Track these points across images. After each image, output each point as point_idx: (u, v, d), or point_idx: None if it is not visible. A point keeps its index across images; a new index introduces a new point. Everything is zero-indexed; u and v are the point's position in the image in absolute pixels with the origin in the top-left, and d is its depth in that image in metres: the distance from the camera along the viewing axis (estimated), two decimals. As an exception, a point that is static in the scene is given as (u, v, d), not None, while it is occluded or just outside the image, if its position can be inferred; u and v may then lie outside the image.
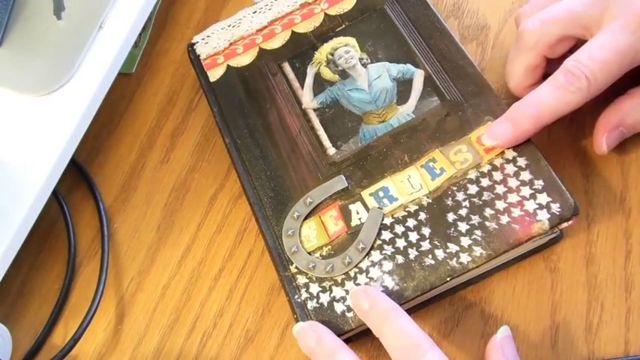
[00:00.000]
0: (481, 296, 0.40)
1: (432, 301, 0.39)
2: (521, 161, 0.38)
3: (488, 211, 0.37)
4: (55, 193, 0.46)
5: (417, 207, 0.39)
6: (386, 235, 0.39)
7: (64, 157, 0.43)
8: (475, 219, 0.37)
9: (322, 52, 0.46)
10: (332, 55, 0.45)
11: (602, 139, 0.39)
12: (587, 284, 0.39)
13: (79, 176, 0.49)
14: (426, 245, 0.38)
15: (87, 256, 0.47)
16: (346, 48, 0.45)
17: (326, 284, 0.38)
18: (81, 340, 0.42)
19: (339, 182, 0.41)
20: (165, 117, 0.50)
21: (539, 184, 0.37)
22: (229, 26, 0.48)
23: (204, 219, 0.46)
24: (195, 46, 0.48)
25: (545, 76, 0.40)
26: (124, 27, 0.46)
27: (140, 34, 0.50)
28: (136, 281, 0.45)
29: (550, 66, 0.41)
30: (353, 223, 0.39)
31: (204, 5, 0.54)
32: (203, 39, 0.48)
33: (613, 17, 0.36)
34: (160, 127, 0.50)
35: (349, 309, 0.37)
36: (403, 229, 0.39)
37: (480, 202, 0.38)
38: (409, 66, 0.43)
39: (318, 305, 0.38)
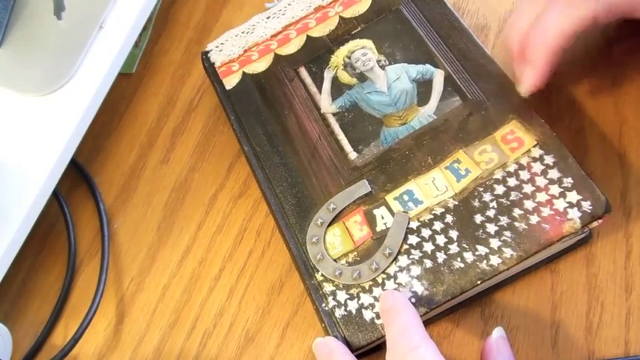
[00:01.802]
0: (481, 296, 0.39)
1: (461, 306, 0.39)
2: (549, 159, 0.38)
3: (516, 212, 0.37)
4: (55, 193, 0.46)
5: (443, 209, 0.38)
6: (413, 239, 0.38)
7: (64, 157, 0.43)
8: (504, 220, 0.37)
9: (339, 56, 0.45)
10: (349, 58, 0.45)
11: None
12: (587, 284, 0.39)
13: (79, 176, 0.49)
14: (454, 248, 0.37)
15: (87, 256, 0.47)
16: (363, 50, 0.45)
17: (353, 291, 0.38)
18: (81, 340, 0.42)
19: (363, 187, 0.40)
20: (165, 117, 0.50)
21: (568, 181, 0.37)
22: (243, 33, 0.48)
23: (205, 219, 0.46)
24: (209, 54, 0.48)
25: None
26: (124, 27, 0.46)
27: (140, 34, 0.50)
28: (136, 281, 0.45)
29: None
30: (378, 228, 0.39)
31: (204, 5, 0.54)
32: (217, 46, 0.48)
33: None
34: (160, 127, 0.50)
35: (378, 316, 0.37)
36: (430, 232, 0.38)
37: (508, 203, 0.37)
38: (428, 66, 0.43)
39: (346, 313, 0.38)
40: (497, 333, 0.36)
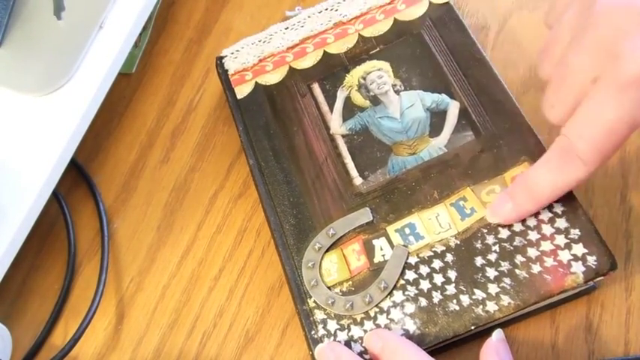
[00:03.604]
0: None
1: (453, 346, 0.38)
2: (558, 207, 0.37)
3: (519, 258, 0.36)
4: (55, 193, 0.46)
5: (444, 248, 0.38)
6: (410, 275, 0.38)
7: (64, 157, 0.43)
8: (505, 265, 0.36)
9: (354, 76, 0.44)
10: (364, 79, 0.44)
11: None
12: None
13: (79, 176, 0.49)
14: (451, 289, 0.37)
15: (87, 256, 0.47)
16: (379, 73, 0.44)
17: (344, 322, 0.38)
18: (81, 340, 0.42)
19: (365, 215, 0.40)
20: (165, 117, 0.50)
21: (575, 233, 0.36)
22: (260, 41, 0.47)
23: (204, 219, 0.46)
24: (223, 60, 0.47)
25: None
26: (124, 27, 0.46)
27: (140, 34, 0.50)
28: (136, 281, 0.45)
29: None
30: (376, 260, 0.38)
31: (204, 5, 0.54)
32: (232, 53, 0.47)
33: (603, 73, 0.32)
34: (160, 127, 0.50)
35: (367, 350, 0.37)
36: (428, 270, 0.37)
37: (511, 248, 0.37)
38: (444, 96, 0.42)
39: None
40: (497, 335, 0.36)
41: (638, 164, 0.41)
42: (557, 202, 0.37)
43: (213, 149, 0.48)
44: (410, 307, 0.37)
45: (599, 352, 0.37)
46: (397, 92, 0.43)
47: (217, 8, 0.54)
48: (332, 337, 0.37)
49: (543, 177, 0.35)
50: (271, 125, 0.44)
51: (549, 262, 0.36)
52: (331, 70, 0.45)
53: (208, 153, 0.48)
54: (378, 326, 0.37)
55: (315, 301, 0.38)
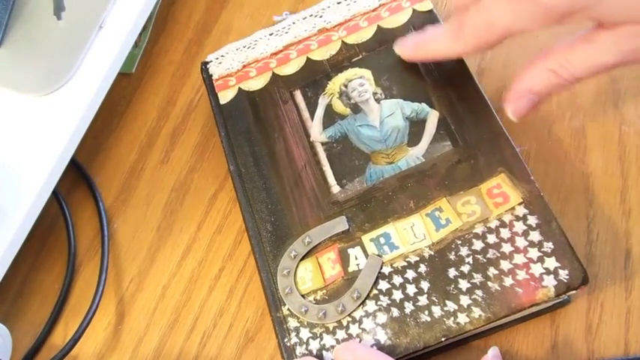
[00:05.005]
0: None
1: (424, 358, 0.38)
2: (532, 220, 0.37)
3: (491, 271, 0.36)
4: (55, 193, 0.46)
5: (417, 258, 0.38)
6: (383, 285, 0.37)
7: (64, 157, 0.43)
8: (477, 277, 0.36)
9: (336, 83, 0.44)
10: (345, 86, 0.44)
11: (507, 109, 0.38)
12: (587, 284, 0.38)
13: (79, 176, 0.49)
14: (423, 300, 0.36)
15: (87, 256, 0.47)
16: (361, 80, 0.44)
17: (317, 331, 0.37)
18: (81, 340, 0.43)
19: (341, 224, 0.39)
20: (165, 117, 0.50)
21: (548, 246, 0.36)
22: (244, 47, 0.47)
23: (204, 219, 0.46)
24: (208, 66, 0.47)
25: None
26: (124, 27, 0.46)
27: (140, 34, 0.50)
28: (135, 281, 0.45)
29: None
30: (350, 269, 0.38)
31: (204, 5, 0.54)
32: (217, 58, 0.47)
33: None
34: (160, 127, 0.50)
35: None
36: (401, 280, 0.37)
37: (484, 260, 0.36)
38: (424, 105, 0.42)
39: (306, 352, 0.37)
40: (493, 352, 0.36)
41: (637, 164, 0.41)
42: (531, 214, 0.37)
43: (213, 149, 0.48)
44: (382, 318, 0.37)
45: (599, 353, 0.37)
46: (378, 100, 0.43)
47: (217, 8, 0.54)
48: (304, 346, 0.37)
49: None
50: (253, 131, 0.44)
51: (521, 275, 0.36)
52: (313, 77, 0.45)
53: (208, 153, 0.48)
54: (350, 335, 0.37)
55: (288, 309, 0.38)
